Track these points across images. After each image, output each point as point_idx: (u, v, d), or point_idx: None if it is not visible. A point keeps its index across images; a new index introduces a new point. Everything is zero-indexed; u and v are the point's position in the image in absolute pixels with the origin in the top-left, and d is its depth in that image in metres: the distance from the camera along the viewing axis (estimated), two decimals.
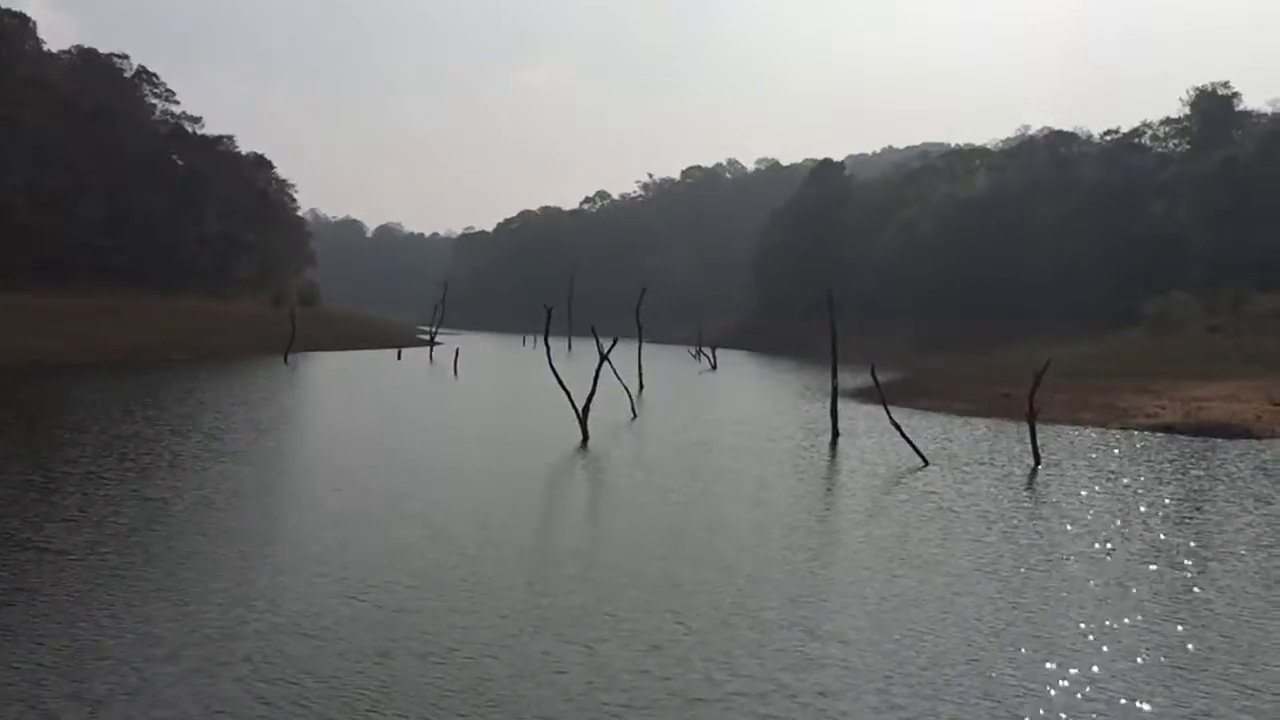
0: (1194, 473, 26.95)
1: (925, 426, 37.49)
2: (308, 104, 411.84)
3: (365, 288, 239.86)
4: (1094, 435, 34.93)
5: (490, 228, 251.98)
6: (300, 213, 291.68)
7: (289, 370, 57.90)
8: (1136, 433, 35.38)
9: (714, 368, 75.10)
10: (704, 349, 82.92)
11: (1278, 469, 27.56)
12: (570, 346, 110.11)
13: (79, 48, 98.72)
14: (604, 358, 33.09)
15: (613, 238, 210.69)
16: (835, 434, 31.96)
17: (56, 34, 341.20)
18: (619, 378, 39.14)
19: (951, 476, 24.80)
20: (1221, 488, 24.53)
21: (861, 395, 49.49)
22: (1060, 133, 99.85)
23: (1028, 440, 33.29)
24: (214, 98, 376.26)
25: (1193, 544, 18.21)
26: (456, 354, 66.35)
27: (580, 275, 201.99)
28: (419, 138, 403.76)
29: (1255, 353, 49.50)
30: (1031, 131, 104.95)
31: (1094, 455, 30.06)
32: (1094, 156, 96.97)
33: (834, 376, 33.17)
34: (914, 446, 26.60)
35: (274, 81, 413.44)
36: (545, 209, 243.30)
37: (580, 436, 29.04)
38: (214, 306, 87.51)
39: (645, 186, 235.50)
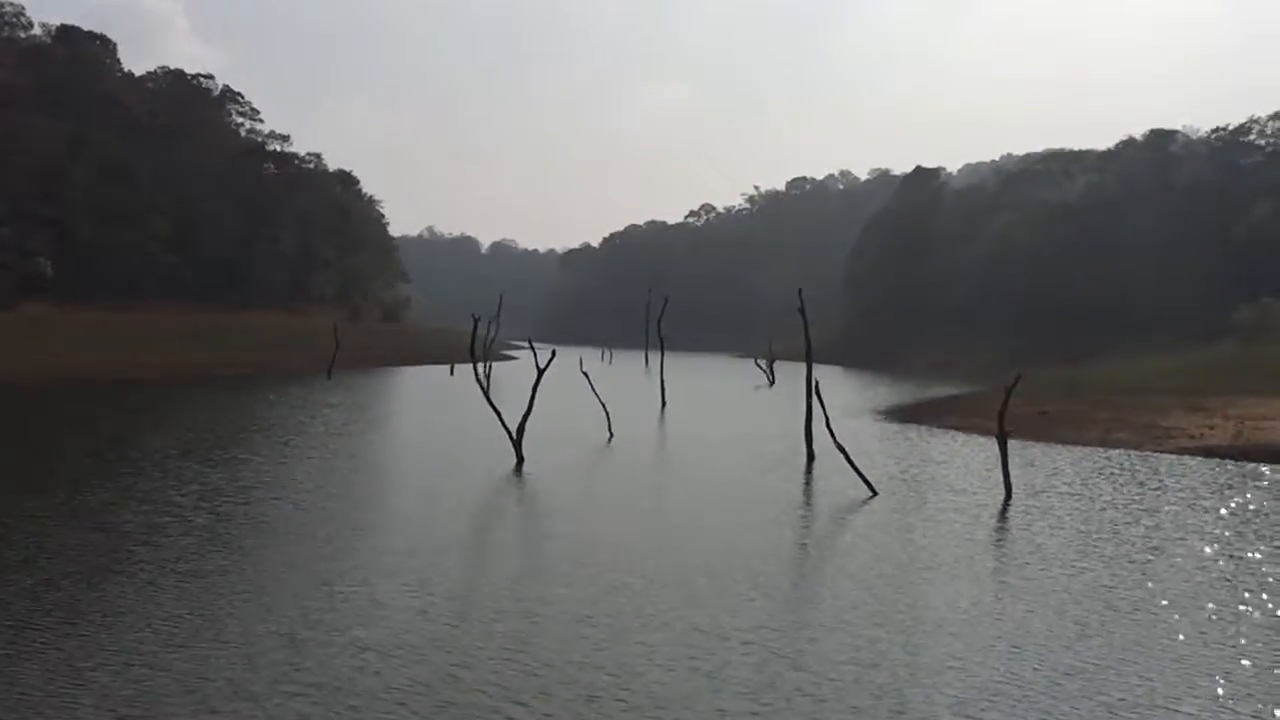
0: (1202, 504, 23.27)
1: (931, 448, 34.29)
2: (432, 127, 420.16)
3: (476, 303, 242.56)
4: (1119, 459, 31.07)
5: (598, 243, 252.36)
6: (416, 231, 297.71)
7: (313, 387, 57.03)
8: (1171, 456, 31.40)
9: (771, 383, 71.80)
10: (760, 363, 79.59)
11: None
12: (648, 361, 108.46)
13: (164, 69, 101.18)
14: (540, 372, 30.43)
15: (715, 251, 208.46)
16: (810, 456, 28.93)
17: (203, 67, 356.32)
18: (598, 396, 36.60)
19: (884, 511, 21.69)
20: (1222, 520, 20.92)
21: (895, 414, 46.40)
22: (1162, 131, 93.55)
23: (1035, 463, 30.12)
24: (347, 124, 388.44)
25: (1122, 597, 15.00)
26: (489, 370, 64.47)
27: (681, 289, 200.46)
28: (536, 156, 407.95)
29: None
30: (1135, 134, 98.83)
31: (1095, 483, 26.43)
32: (1198, 156, 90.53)
33: (809, 393, 29.89)
34: (861, 475, 23.53)
35: (403, 107, 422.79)
36: (650, 223, 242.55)
37: (514, 460, 26.68)
38: (286, 322, 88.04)
39: (750, 199, 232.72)
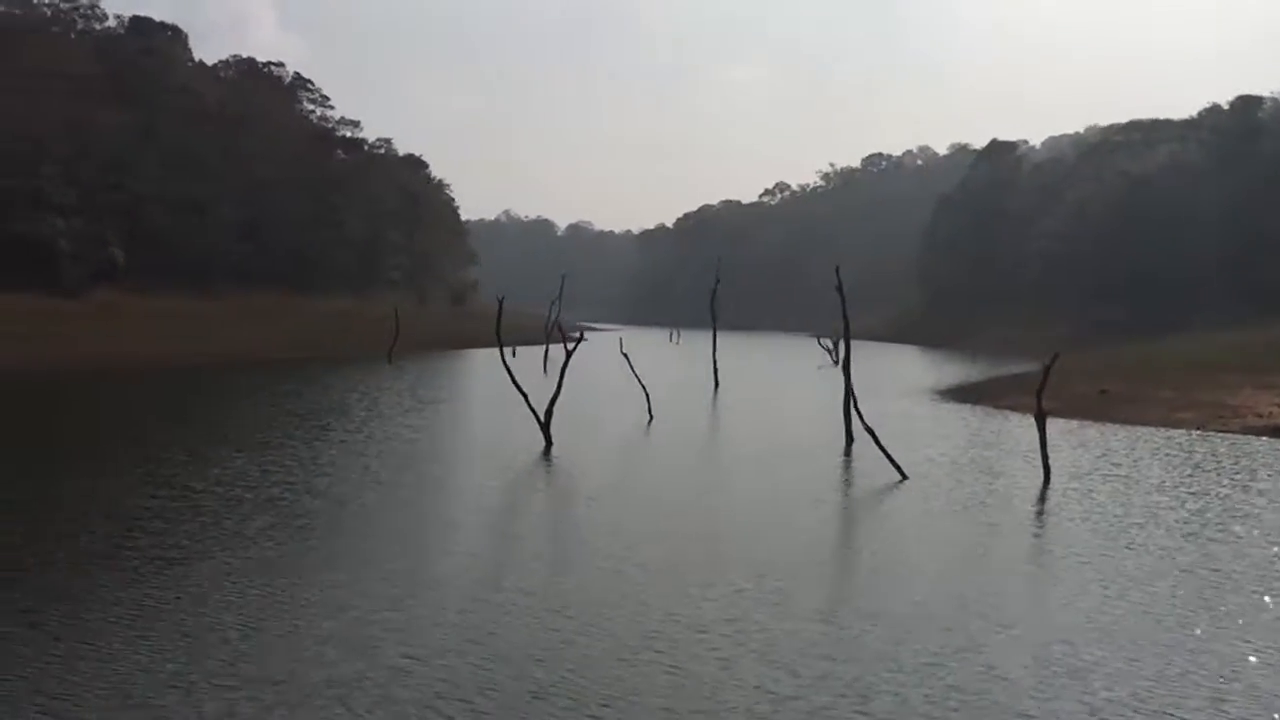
0: (1256, 486, 22.05)
1: (981, 429, 33.23)
2: (509, 109, 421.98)
3: (551, 286, 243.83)
4: (1178, 439, 29.71)
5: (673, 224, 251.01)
6: (494, 214, 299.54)
7: (371, 371, 57.30)
8: (1235, 436, 29.95)
9: (835, 363, 70.41)
10: (825, 342, 77.74)
11: None
12: (715, 344, 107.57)
13: (236, 57, 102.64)
14: (569, 354, 30.14)
15: (789, 230, 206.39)
16: (849, 439, 27.97)
17: (285, 54, 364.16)
18: (638, 378, 36.03)
19: (908, 497, 20.84)
20: (1276, 504, 19.76)
21: (954, 393, 45.17)
22: (1249, 98, 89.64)
23: (1088, 444, 28.96)
24: (427, 108, 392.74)
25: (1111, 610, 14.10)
26: (545, 353, 64.20)
27: (755, 268, 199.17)
28: (613, 137, 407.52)
29: None
30: (1220, 101, 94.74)
31: (1146, 464, 25.23)
32: None
33: (847, 374, 28.98)
34: (891, 459, 22.62)
35: (481, 91, 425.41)
36: (725, 203, 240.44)
37: (543, 444, 26.27)
38: (354, 307, 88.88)
39: (826, 177, 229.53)
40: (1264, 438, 29.52)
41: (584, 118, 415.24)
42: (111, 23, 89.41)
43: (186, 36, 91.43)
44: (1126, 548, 16.47)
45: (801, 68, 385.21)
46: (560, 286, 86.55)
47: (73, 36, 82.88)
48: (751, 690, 10.11)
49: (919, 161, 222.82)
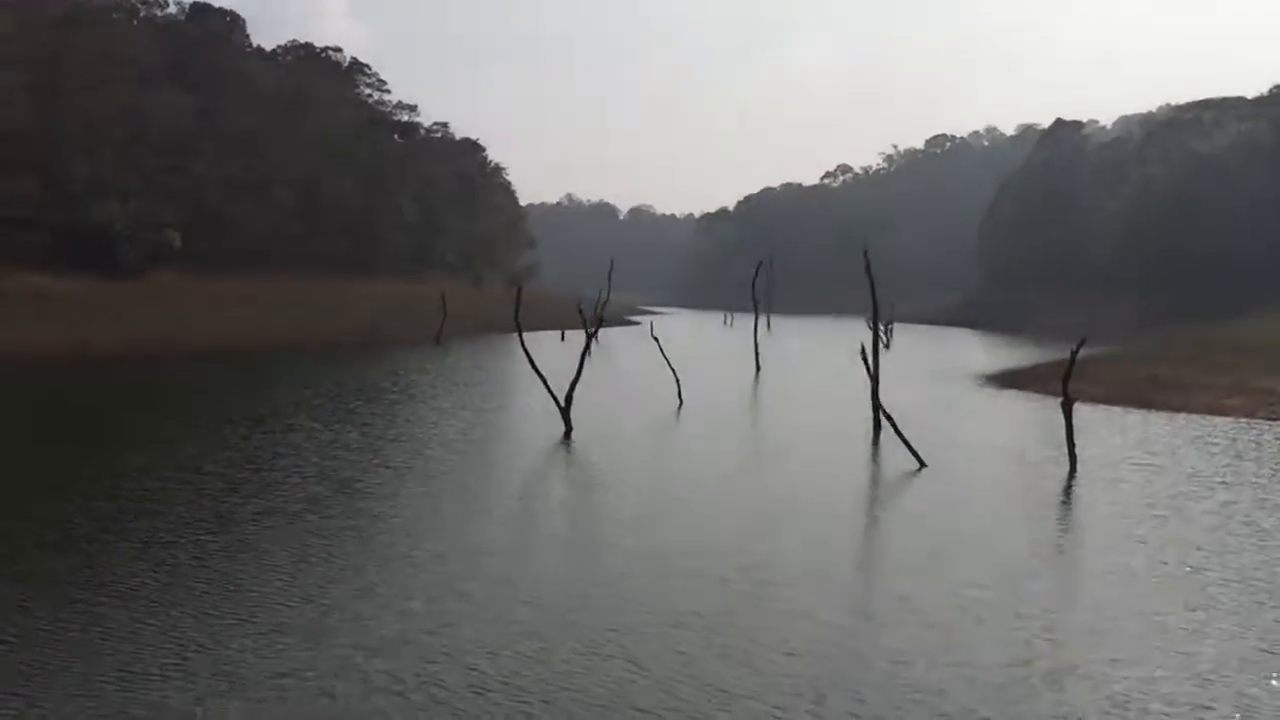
0: None
1: (1019, 415, 32.44)
2: (572, 93, 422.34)
3: (618, 268, 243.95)
4: (1223, 428, 28.64)
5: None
6: (555, 198, 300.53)
7: (418, 354, 57.52)
8: None
9: (886, 347, 69.27)
10: (887, 325, 76.55)
11: None
12: (770, 326, 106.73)
13: (294, 42, 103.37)
14: (589, 337, 29.78)
15: (850, 212, 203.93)
16: (877, 425, 27.27)
17: (354, 41, 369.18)
18: (668, 362, 35.60)
19: (924, 486, 20.28)
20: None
21: (1000, 379, 44.08)
22: None
23: (1127, 430, 28.08)
24: (491, 93, 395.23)
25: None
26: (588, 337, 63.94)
27: (815, 251, 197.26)
28: (674, 120, 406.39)
29: None
30: None
31: (1183, 453, 24.35)
32: None
33: (875, 358, 28.33)
34: (909, 447, 22.00)
35: (544, 76, 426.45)
36: (786, 185, 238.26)
37: (563, 429, 26.00)
38: (408, 290, 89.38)
39: (888, 158, 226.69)
40: None
41: (645, 101, 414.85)
42: (173, 9, 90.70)
43: (245, 22, 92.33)
44: (1137, 542, 15.79)
45: (866, 48, 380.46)
46: (609, 270, 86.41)
47: (135, 23, 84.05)
48: (689, 698, 9.75)
49: (985, 143, 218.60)
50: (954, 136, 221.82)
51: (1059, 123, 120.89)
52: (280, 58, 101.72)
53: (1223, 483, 20.80)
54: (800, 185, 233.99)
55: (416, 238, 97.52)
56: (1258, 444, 25.90)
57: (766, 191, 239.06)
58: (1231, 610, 12.36)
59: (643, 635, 11.09)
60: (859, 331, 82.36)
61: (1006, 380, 42.61)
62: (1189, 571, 14.15)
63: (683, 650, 10.65)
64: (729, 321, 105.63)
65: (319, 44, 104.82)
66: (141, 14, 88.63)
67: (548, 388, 26.64)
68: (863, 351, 24.34)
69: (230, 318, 64.42)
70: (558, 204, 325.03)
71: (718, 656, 10.51)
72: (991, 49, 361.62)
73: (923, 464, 21.60)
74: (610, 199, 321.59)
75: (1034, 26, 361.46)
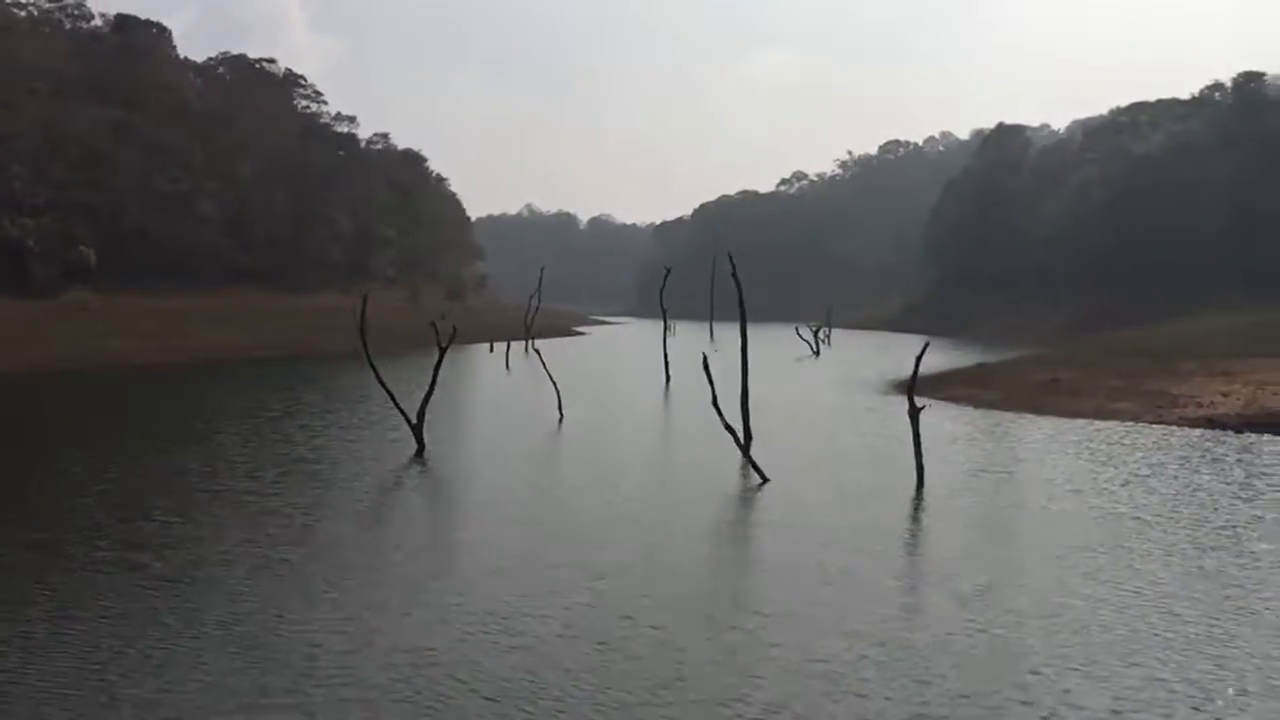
0: (1148, 482, 20.44)
1: (899, 424, 31.53)
2: (534, 105, 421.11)
3: (575, 279, 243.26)
4: (1105, 431, 28.07)
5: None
6: (515, 209, 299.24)
7: (326, 369, 55.97)
8: (1167, 428, 28.25)
9: (816, 354, 68.74)
10: (804, 332, 75.49)
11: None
12: (713, 335, 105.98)
13: (226, 54, 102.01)
14: (442, 351, 28.20)
15: (805, 219, 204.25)
16: (748, 436, 26.41)
17: (319, 56, 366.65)
18: (549, 375, 34.59)
19: (756, 503, 19.48)
20: (1155, 500, 18.18)
21: (902, 386, 43.02)
22: (1251, 73, 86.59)
23: (1007, 436, 27.42)
24: (453, 106, 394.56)
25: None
26: (507, 348, 62.90)
27: (771, 258, 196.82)
28: (634, 130, 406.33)
29: None
30: (1222, 79, 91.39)
31: (1053, 459, 23.79)
32: None
33: (744, 368, 27.59)
34: (750, 460, 21.15)
35: (507, 89, 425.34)
36: (743, 193, 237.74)
37: (415, 446, 25.01)
38: (344, 303, 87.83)
39: (843, 164, 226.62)
40: (1197, 429, 27.81)
41: (605, 112, 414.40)
42: (98, 21, 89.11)
43: (171, 33, 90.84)
44: (940, 557, 15.05)
45: (824, 55, 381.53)
46: (539, 280, 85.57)
47: (51, 33, 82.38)
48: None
49: (940, 148, 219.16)
50: (908, 142, 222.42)
51: (1001, 126, 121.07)
52: (211, 69, 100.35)
53: (1074, 490, 20.17)
54: (757, 193, 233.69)
55: (352, 250, 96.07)
56: (1131, 447, 25.34)
57: (724, 199, 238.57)
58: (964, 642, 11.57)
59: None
60: (798, 339, 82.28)
61: (905, 387, 41.73)
62: (972, 593, 13.36)
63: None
64: (672, 330, 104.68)
65: (278, 57, 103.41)
66: (66, 27, 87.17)
67: (397, 406, 25.65)
68: (704, 362, 23.14)
69: (152, 334, 62.94)
70: (517, 215, 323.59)
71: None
72: (953, 56, 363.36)
73: (764, 479, 20.75)
74: (571, 209, 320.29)
75: (996, 32, 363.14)
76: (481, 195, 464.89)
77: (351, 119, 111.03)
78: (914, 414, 21.10)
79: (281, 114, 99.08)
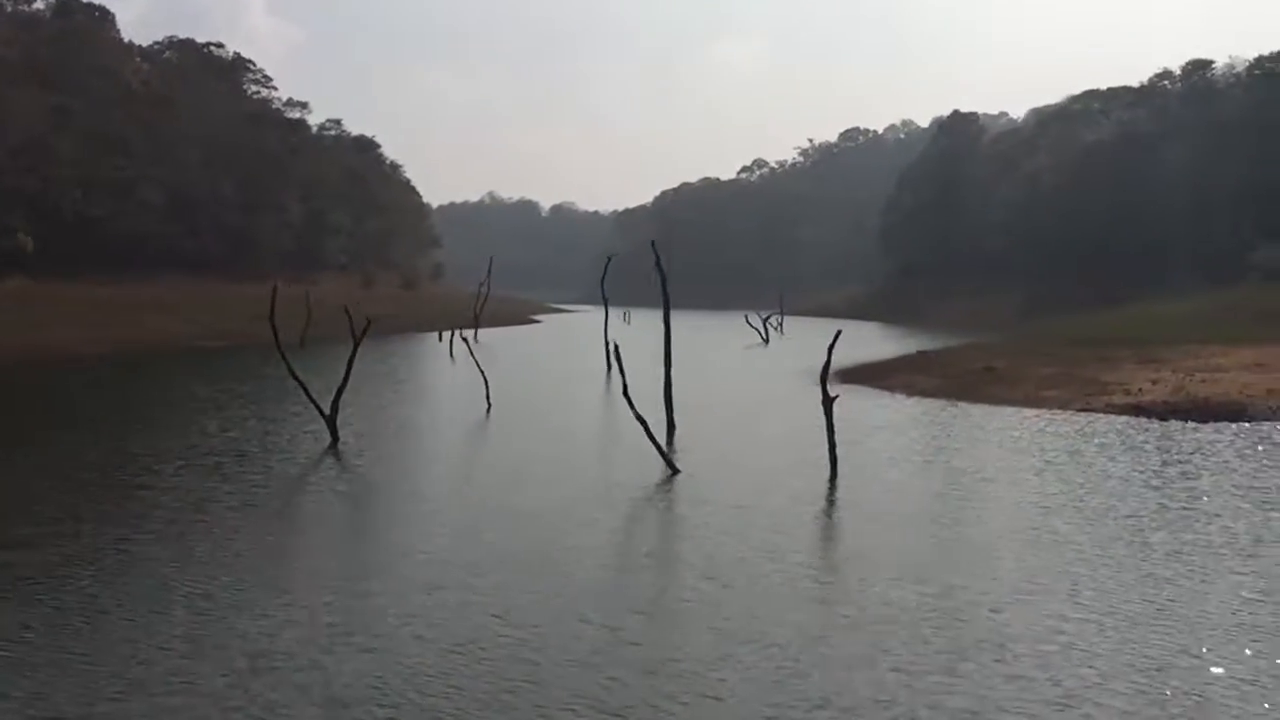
0: (1059, 468, 20.27)
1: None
2: (499, 92, 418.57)
3: (538, 267, 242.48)
4: (1032, 420, 27.99)
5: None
6: (477, 196, 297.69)
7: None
8: (1092, 415, 28.18)
9: (766, 342, 68.49)
10: (753, 320, 75.04)
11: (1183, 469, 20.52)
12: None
13: (172, 38, 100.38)
14: (356, 341, 27.59)
15: (766, 207, 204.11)
16: (670, 426, 26.14)
17: (279, 42, 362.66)
18: (478, 365, 34.08)
19: (657, 498, 19.14)
20: (1063, 487, 18.00)
21: (853, 374, 42.72)
22: (1199, 61, 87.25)
23: (935, 423, 27.24)
24: (418, 93, 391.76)
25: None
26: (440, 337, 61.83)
27: (731, 246, 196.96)
28: (598, 118, 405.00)
29: None
30: (1172, 66, 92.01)
31: (975, 450, 23.59)
32: (1237, 88, 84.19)
33: (667, 356, 27.37)
34: (662, 452, 20.68)
35: (471, 74, 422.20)
36: (704, 180, 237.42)
37: (329, 438, 24.49)
38: (294, 292, 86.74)
39: (804, 152, 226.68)
40: (1124, 417, 27.74)
41: (570, 100, 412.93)
42: (40, 5, 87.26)
43: (114, 17, 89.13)
44: (831, 551, 14.75)
45: (790, 45, 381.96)
46: (489, 267, 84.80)
47: None
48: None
49: (902, 135, 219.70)
50: (868, 130, 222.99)
51: (955, 114, 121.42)
52: (157, 54, 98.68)
53: (984, 480, 20.01)
54: (718, 180, 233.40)
55: (303, 237, 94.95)
56: (1054, 435, 25.24)
57: (684, 187, 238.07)
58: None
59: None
60: (751, 325, 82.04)
61: (853, 375, 41.31)
62: (853, 589, 13.07)
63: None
64: (627, 319, 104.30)
65: (238, 43, 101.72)
66: (8, 9, 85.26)
67: (310, 398, 25.14)
68: (615, 351, 22.62)
69: (87, 324, 61.70)
70: (479, 202, 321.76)
71: None
72: (918, 47, 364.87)
73: (675, 470, 20.39)
74: (533, 197, 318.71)
75: (960, 22, 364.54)
76: (444, 183, 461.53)
77: (303, 105, 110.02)
78: (827, 404, 20.81)
79: (230, 99, 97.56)
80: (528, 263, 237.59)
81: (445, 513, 17.68)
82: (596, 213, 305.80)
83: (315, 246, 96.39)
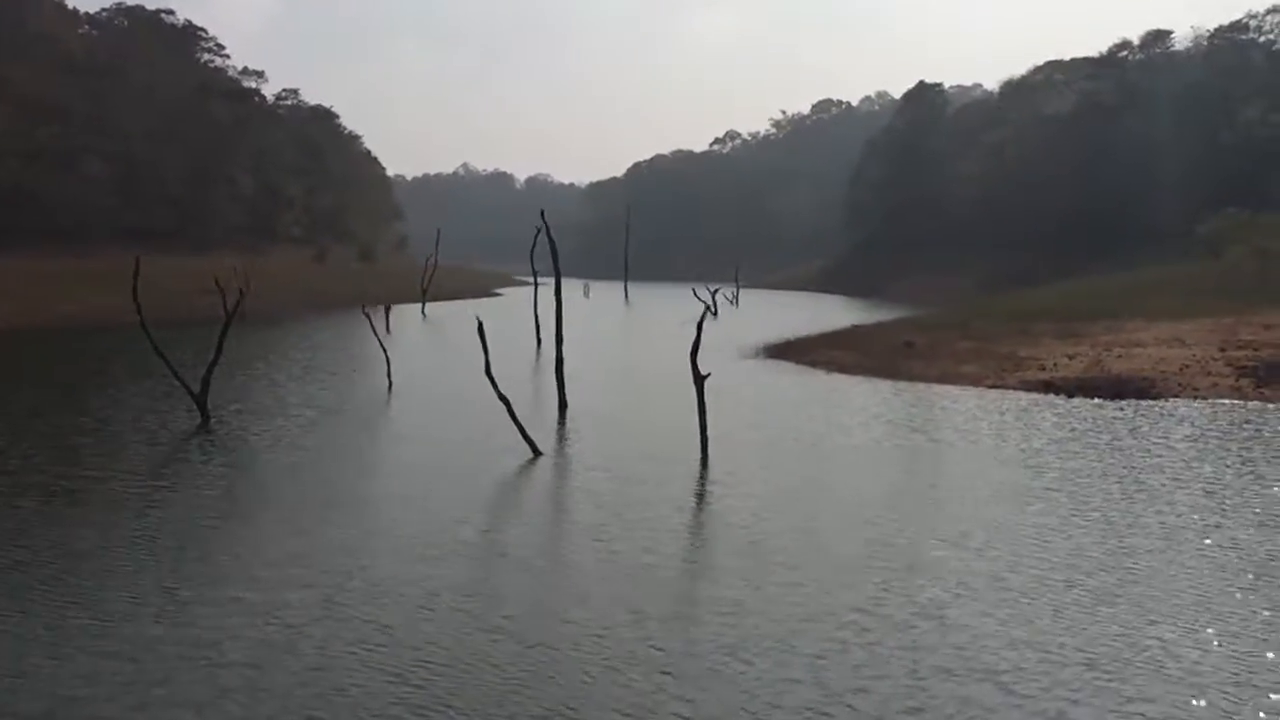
0: (948, 440, 19.57)
1: (743, 390, 30.54)
2: (474, 64, 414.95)
3: (512, 238, 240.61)
4: (940, 395, 27.38)
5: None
6: (451, 168, 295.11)
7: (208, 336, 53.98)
8: (1001, 392, 27.50)
9: (715, 316, 67.08)
10: (700, 293, 72.63)
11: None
12: (628, 296, 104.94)
13: (120, 5, 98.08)
14: (229, 316, 26.75)
15: (738, 179, 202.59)
16: (563, 405, 25.35)
17: (252, 15, 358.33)
18: (379, 341, 33.24)
19: (508, 480, 18.38)
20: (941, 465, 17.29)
21: (779, 349, 41.83)
22: (1158, 32, 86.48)
23: (839, 403, 26.47)
24: (393, 66, 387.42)
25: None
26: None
27: (704, 218, 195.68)
28: (572, 89, 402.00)
29: (1269, 281, 39.69)
30: (1131, 37, 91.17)
31: (870, 425, 22.84)
32: (1195, 57, 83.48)
33: (559, 332, 26.57)
34: (524, 433, 19.79)
35: (448, 46, 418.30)
36: (676, 152, 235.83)
37: (199, 417, 23.63)
38: (246, 265, 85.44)
39: (777, 124, 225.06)
40: (1033, 393, 27.09)
41: (544, 73, 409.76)
42: None
43: None
44: (668, 543, 13.96)
45: (763, 17, 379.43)
46: (436, 239, 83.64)
47: None
48: None
49: (876, 107, 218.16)
50: (841, 102, 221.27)
51: (921, 85, 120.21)
52: (107, 21, 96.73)
53: (858, 464, 19.33)
54: (691, 152, 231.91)
55: (255, 210, 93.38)
56: (953, 413, 24.55)
57: (657, 158, 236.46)
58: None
59: None
60: (699, 299, 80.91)
61: (780, 351, 40.49)
62: (669, 579, 12.31)
63: None
64: (586, 291, 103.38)
65: (138, 4, 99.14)
66: None
67: (176, 376, 24.34)
68: (479, 328, 21.40)
69: (18, 297, 60.45)
70: (453, 174, 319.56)
71: None
72: (893, 18, 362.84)
73: (538, 453, 19.58)
74: (508, 169, 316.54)
75: None
76: (419, 155, 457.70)
77: (259, 74, 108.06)
78: (698, 382, 20.00)
79: (179, 68, 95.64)
80: (502, 235, 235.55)
81: (277, 500, 16.83)
82: (573, 185, 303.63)
83: (267, 219, 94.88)
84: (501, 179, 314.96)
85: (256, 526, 15.09)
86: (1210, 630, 10.47)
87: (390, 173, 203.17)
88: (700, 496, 16.89)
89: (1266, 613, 10.97)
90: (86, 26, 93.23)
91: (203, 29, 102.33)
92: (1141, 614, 10.94)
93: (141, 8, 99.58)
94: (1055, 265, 75.61)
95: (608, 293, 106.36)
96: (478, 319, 22.01)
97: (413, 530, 14.59)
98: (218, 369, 25.03)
